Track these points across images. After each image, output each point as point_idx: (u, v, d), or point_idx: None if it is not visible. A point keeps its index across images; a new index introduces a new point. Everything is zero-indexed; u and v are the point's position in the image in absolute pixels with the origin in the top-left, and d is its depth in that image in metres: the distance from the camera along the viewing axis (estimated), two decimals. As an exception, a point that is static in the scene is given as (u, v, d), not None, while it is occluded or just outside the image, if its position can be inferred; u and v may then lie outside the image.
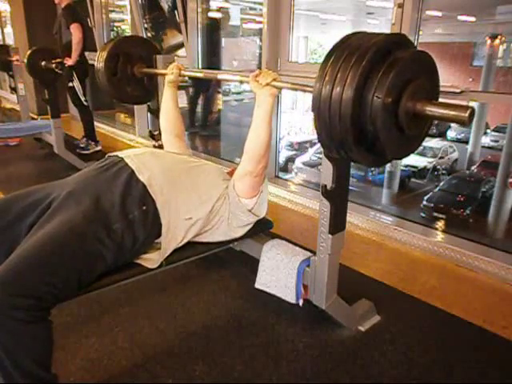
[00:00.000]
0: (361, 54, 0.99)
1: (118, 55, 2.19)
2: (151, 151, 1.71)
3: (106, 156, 1.54)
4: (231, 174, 1.72)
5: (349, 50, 1.02)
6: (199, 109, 5.54)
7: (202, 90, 5.27)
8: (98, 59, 2.18)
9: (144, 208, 1.36)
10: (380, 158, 1.16)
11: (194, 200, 1.48)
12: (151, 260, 1.40)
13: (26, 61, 3.50)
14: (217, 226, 1.55)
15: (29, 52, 3.52)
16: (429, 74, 1.11)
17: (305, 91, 1.40)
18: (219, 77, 1.84)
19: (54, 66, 3.35)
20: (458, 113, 0.98)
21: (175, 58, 2.34)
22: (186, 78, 4.35)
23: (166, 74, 1.97)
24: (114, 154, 1.53)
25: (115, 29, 5.75)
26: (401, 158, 1.21)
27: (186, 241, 1.48)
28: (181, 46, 4.20)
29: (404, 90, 1.02)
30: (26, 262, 1.09)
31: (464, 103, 1.00)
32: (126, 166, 1.44)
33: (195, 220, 1.48)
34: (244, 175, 1.52)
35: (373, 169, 7.23)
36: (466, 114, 0.96)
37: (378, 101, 0.99)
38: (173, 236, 1.43)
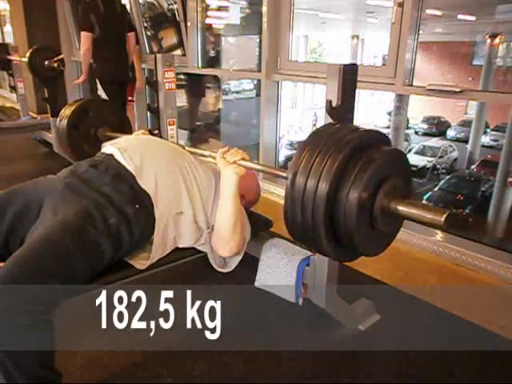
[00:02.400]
0: (338, 148, 0.98)
1: (87, 113, 2.24)
2: (146, 141, 1.69)
3: (102, 146, 1.54)
4: None
5: (325, 142, 1.00)
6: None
7: (198, 92, 5.18)
8: (62, 114, 2.22)
9: (141, 204, 1.36)
10: (350, 253, 1.13)
11: (183, 195, 1.46)
12: (141, 263, 1.40)
13: (26, 59, 3.50)
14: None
15: (30, 51, 3.52)
16: (402, 171, 1.09)
17: (275, 176, 1.37)
18: (187, 148, 1.79)
19: (55, 64, 3.35)
20: (433, 216, 0.94)
21: (175, 57, 2.33)
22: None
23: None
24: (109, 143, 1.52)
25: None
26: (373, 255, 1.16)
27: (182, 242, 1.48)
28: (180, 45, 4.19)
29: (379, 188, 1.00)
30: (26, 266, 1.09)
31: (440, 209, 0.96)
32: (117, 160, 1.43)
33: (187, 215, 1.46)
34: (214, 247, 1.50)
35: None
36: (442, 219, 0.92)
37: (353, 196, 0.96)
38: (166, 231, 1.42)
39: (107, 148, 1.52)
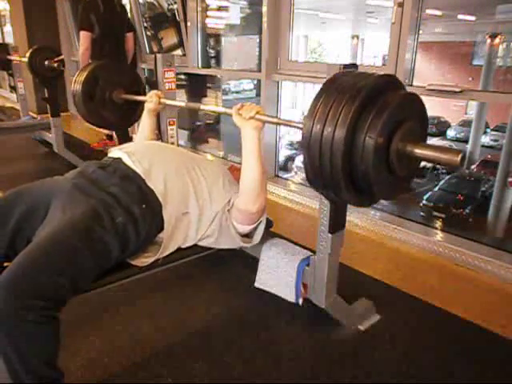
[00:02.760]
0: (353, 95, 0.99)
1: (97, 79, 2.20)
2: (154, 145, 1.71)
3: (108, 151, 1.54)
4: (231, 170, 1.72)
5: (340, 89, 1.02)
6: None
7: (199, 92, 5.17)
8: (75, 81, 2.19)
9: (148, 204, 1.36)
10: (368, 198, 1.14)
11: (198, 197, 1.47)
12: (150, 257, 1.40)
13: (26, 59, 3.50)
14: (218, 232, 1.53)
15: (30, 51, 3.52)
16: (418, 115, 1.10)
17: (292, 127, 1.37)
18: (202, 107, 1.84)
19: (55, 64, 3.34)
20: (449, 156, 0.97)
21: (175, 57, 2.33)
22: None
23: (145, 101, 1.97)
24: (117, 148, 1.53)
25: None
26: (391, 199, 1.20)
27: (187, 242, 1.48)
28: (180, 45, 4.19)
29: (395, 132, 1.02)
30: (33, 264, 1.09)
31: (454, 149, 1.00)
32: (125, 163, 1.44)
33: (194, 215, 1.47)
34: (241, 210, 1.48)
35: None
36: (458, 158, 0.95)
37: (370, 141, 0.98)
38: (173, 232, 1.43)
39: (114, 152, 1.52)
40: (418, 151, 1.02)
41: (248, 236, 1.58)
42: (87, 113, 2.25)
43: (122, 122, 2.42)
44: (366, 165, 1.00)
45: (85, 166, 1.49)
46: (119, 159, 1.46)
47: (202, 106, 1.92)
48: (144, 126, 1.95)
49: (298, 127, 1.24)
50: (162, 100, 1.95)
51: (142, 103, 2.09)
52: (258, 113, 1.41)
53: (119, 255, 1.30)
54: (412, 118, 1.06)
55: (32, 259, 1.10)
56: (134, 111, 2.33)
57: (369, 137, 0.98)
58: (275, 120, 1.48)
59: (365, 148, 0.99)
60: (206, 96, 5.19)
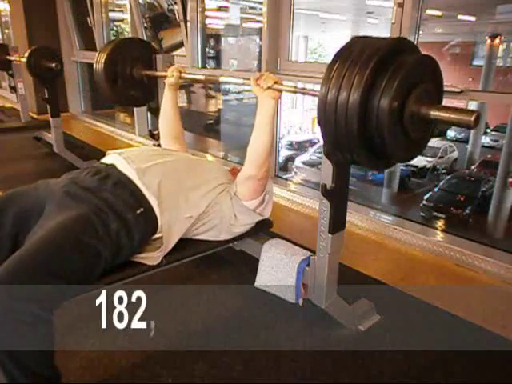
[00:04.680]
0: (366, 59, 1.00)
1: (117, 58, 2.18)
2: (151, 150, 1.71)
3: (106, 154, 1.55)
4: (232, 172, 1.72)
5: (354, 54, 1.03)
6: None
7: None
8: (97, 61, 2.17)
9: (141, 210, 1.36)
10: (385, 161, 1.17)
11: (195, 198, 1.48)
12: (152, 258, 1.40)
13: (25, 60, 3.49)
14: (220, 225, 1.55)
15: (29, 51, 3.51)
16: (433, 78, 1.11)
17: (308, 94, 1.40)
18: (221, 79, 1.86)
19: (53, 65, 3.34)
20: (463, 117, 0.98)
21: (174, 57, 2.33)
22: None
23: (166, 77, 1.96)
24: (112, 152, 1.53)
25: (115, 28, 5.75)
26: (406, 161, 1.22)
27: (186, 237, 1.49)
28: (181, 45, 4.19)
29: (409, 94, 1.03)
30: (25, 266, 1.09)
31: (469, 110, 1.00)
32: (119, 169, 1.44)
33: (195, 217, 1.48)
34: (247, 179, 1.53)
35: (373, 168, 7.22)
36: (472, 118, 0.96)
37: (384, 104, 0.99)
38: (173, 233, 1.44)
39: (109, 157, 1.52)
40: (432, 113, 1.03)
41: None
42: (112, 95, 2.24)
43: (146, 97, 2.39)
44: (381, 128, 1.01)
45: (77, 173, 1.48)
46: (112, 165, 1.46)
47: (221, 79, 1.92)
48: (166, 100, 1.96)
49: (314, 95, 1.24)
50: (183, 75, 1.94)
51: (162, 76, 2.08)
52: (275, 83, 1.45)
53: (112, 259, 1.30)
54: (426, 81, 1.07)
55: (22, 260, 1.10)
56: (155, 85, 2.31)
57: (383, 100, 0.99)
58: (292, 89, 1.51)
59: (379, 111, 1.00)
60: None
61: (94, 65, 2.19)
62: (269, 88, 1.45)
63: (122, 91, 2.24)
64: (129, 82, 2.23)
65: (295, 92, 1.50)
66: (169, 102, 1.95)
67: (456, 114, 1.00)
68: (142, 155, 1.55)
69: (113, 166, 1.46)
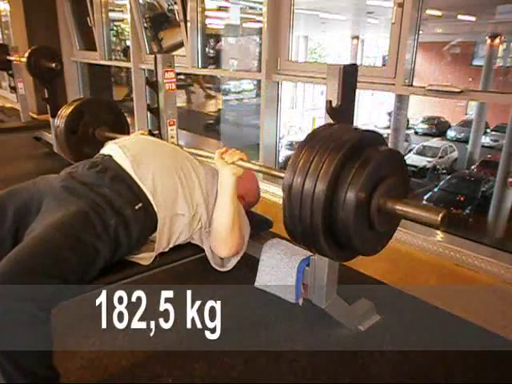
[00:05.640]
0: (335, 149, 0.98)
1: (83, 114, 2.22)
2: (148, 141, 1.69)
3: (105, 145, 1.55)
4: None
5: (323, 142, 1.01)
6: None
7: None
8: (59, 115, 2.21)
9: (140, 205, 1.36)
10: (348, 253, 1.14)
11: (187, 197, 1.47)
12: (145, 258, 1.40)
13: (25, 60, 3.50)
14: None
15: (29, 51, 3.51)
16: (400, 172, 1.09)
17: (272, 175, 1.36)
18: (185, 149, 1.76)
19: (53, 65, 3.34)
20: (430, 215, 0.96)
21: (175, 57, 2.33)
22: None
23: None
24: (112, 142, 1.53)
25: (115, 28, 5.75)
26: (370, 255, 1.18)
27: (178, 240, 1.48)
28: (181, 45, 4.19)
29: (376, 188, 1.01)
30: (23, 265, 1.09)
31: (436, 208, 0.98)
32: (116, 161, 1.43)
33: (187, 217, 1.47)
34: (217, 246, 1.50)
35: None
36: (439, 218, 0.94)
37: (351, 197, 0.97)
38: (167, 232, 1.43)
39: (106, 148, 1.52)
40: (399, 208, 1.01)
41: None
42: (68, 147, 2.27)
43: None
44: (347, 219, 0.99)
45: (75, 166, 1.48)
46: (109, 156, 1.46)
47: (185, 148, 1.80)
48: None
49: (280, 177, 1.22)
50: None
51: None
52: (240, 159, 1.41)
53: (110, 257, 1.30)
54: (393, 175, 1.05)
55: (19, 259, 1.10)
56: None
57: (350, 192, 0.97)
58: (256, 167, 1.46)
59: (346, 202, 0.98)
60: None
61: (56, 119, 2.24)
62: (232, 163, 1.41)
63: (78, 146, 2.29)
64: (88, 140, 2.28)
65: (259, 171, 1.46)
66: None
67: (422, 212, 0.98)
68: (138, 145, 1.54)
69: (109, 157, 1.45)
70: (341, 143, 1.00)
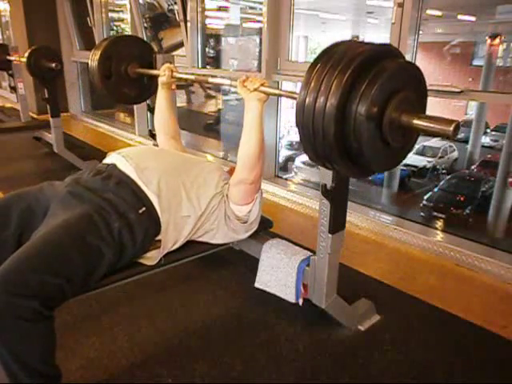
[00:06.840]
0: (346, 63, 0.97)
1: (111, 56, 2.18)
2: (150, 149, 1.71)
3: (107, 155, 1.55)
4: (230, 172, 1.72)
5: (335, 58, 1.00)
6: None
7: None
8: (91, 59, 2.17)
9: (144, 209, 1.36)
10: (364, 169, 1.13)
11: (193, 198, 1.48)
12: (151, 258, 1.41)
13: (25, 60, 3.49)
14: (216, 226, 1.54)
15: (29, 51, 3.51)
16: (416, 86, 1.08)
17: (292, 98, 1.37)
18: (210, 80, 1.85)
19: (53, 65, 3.34)
20: (442, 127, 0.96)
21: (175, 57, 2.33)
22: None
23: (158, 75, 1.95)
24: (115, 153, 1.53)
25: (115, 28, 5.75)
26: (385, 170, 1.18)
27: (184, 239, 1.49)
28: (181, 45, 4.19)
29: (389, 101, 1.00)
30: (26, 264, 1.09)
31: (448, 119, 0.98)
32: (120, 169, 1.44)
33: (193, 218, 1.48)
34: (238, 182, 1.52)
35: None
36: (451, 128, 0.94)
37: (362, 111, 0.96)
38: (172, 233, 1.44)
39: (110, 158, 1.53)
40: (412, 121, 1.00)
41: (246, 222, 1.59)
42: (107, 91, 2.23)
43: (140, 96, 2.38)
44: (359, 135, 0.98)
45: (79, 173, 1.50)
46: (113, 165, 1.47)
47: (210, 79, 1.91)
48: (159, 99, 1.93)
49: (294, 98, 1.21)
50: (175, 74, 1.90)
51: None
52: (262, 85, 1.44)
53: (116, 260, 1.30)
54: (409, 88, 1.04)
55: (24, 260, 1.10)
56: (151, 83, 2.30)
57: (360, 107, 0.96)
58: (277, 92, 1.49)
59: (357, 117, 0.97)
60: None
61: (89, 61, 2.19)
62: (255, 90, 1.45)
63: (114, 88, 2.23)
64: (123, 79, 2.22)
65: (280, 95, 1.48)
66: (162, 101, 1.92)
67: (435, 123, 0.97)
68: (140, 153, 1.55)
69: (113, 166, 1.46)
70: (352, 57, 0.98)
